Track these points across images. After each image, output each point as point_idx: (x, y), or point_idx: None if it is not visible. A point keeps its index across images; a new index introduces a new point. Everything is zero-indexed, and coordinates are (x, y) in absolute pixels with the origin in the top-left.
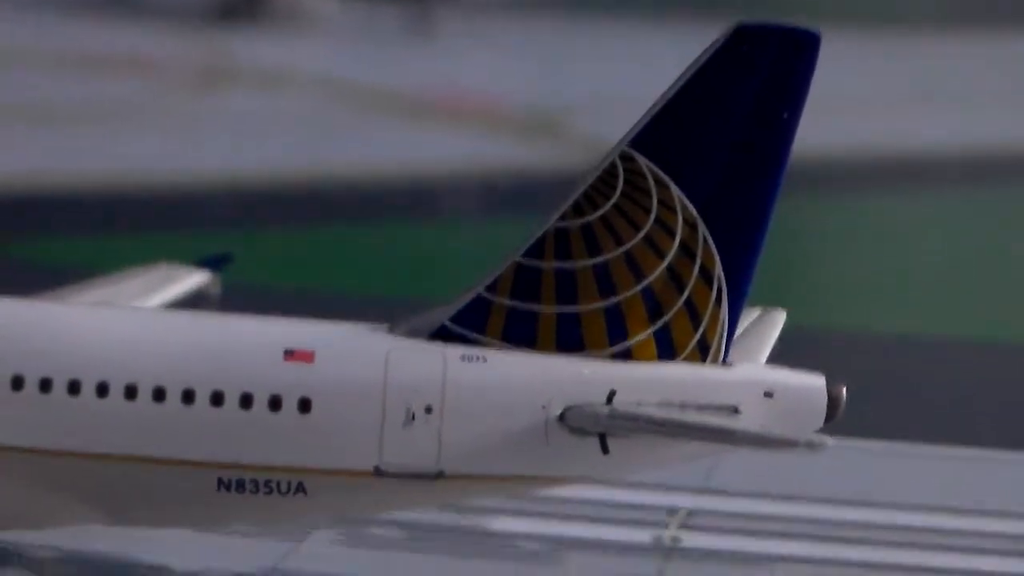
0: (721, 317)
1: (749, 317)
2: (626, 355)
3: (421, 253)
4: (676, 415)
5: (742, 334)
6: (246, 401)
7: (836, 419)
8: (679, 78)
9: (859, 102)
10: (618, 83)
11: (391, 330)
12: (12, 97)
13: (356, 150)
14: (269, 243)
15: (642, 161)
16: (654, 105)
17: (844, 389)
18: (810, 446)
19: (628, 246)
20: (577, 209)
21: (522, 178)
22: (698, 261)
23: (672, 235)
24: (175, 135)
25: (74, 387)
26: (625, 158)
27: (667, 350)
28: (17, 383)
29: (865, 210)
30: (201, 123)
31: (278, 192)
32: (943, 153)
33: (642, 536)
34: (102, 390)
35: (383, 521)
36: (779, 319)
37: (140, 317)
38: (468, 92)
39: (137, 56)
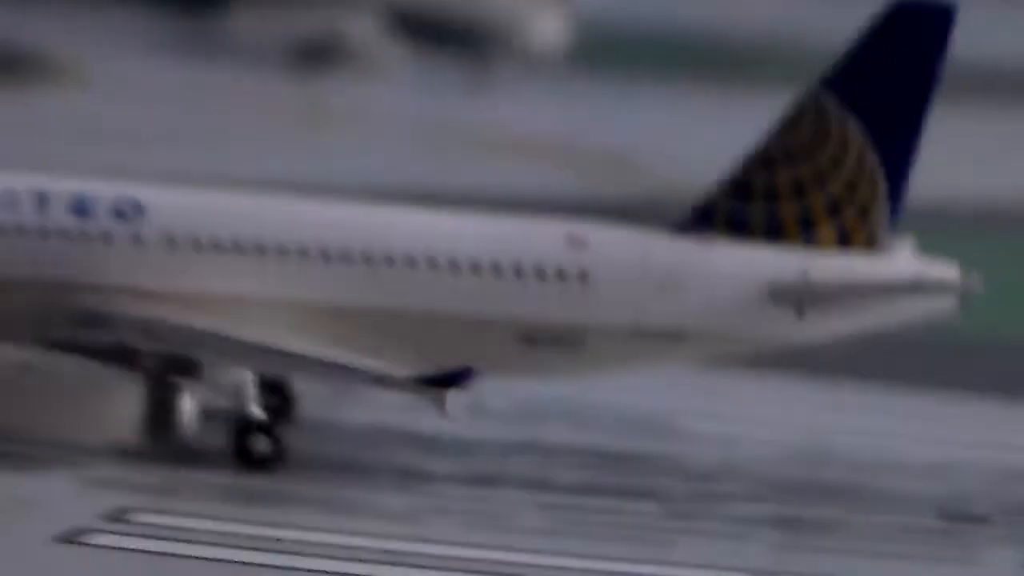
0: (885, 218)
1: None
2: (814, 244)
3: None
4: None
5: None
6: (540, 273)
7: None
8: (856, 40)
9: None
10: (668, 136)
11: (646, 227)
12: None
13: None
14: None
15: (830, 98)
16: (843, 55)
17: (979, 279)
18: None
19: (817, 161)
20: (782, 132)
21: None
22: (869, 175)
23: (849, 154)
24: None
25: (412, 262)
26: (816, 96)
27: (844, 241)
28: (368, 258)
29: None
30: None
31: None
32: None
33: None
34: (432, 263)
35: None
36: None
37: (459, 218)
38: (533, 132)
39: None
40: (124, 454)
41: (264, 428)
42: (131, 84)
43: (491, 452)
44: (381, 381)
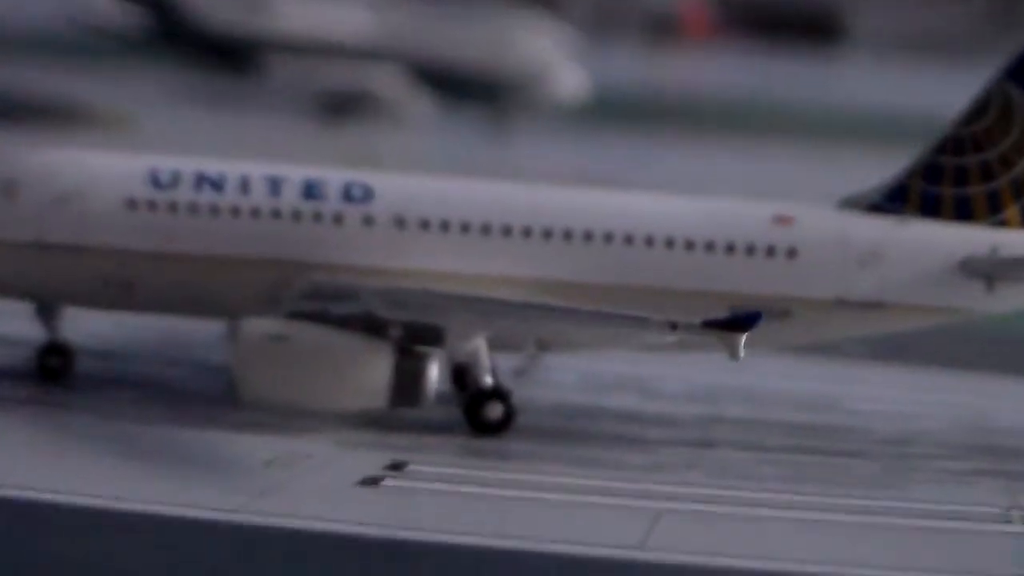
0: None
1: None
2: (1001, 223)
3: None
4: None
5: None
6: (750, 250)
7: None
8: None
9: None
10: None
11: (839, 206)
12: None
13: None
14: None
15: (1014, 88)
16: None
17: None
18: None
19: (1003, 148)
20: (970, 119)
21: None
22: None
23: None
24: None
25: (609, 238)
26: (1001, 85)
27: None
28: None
29: None
30: None
31: None
32: None
33: None
34: (649, 241)
35: None
36: None
37: (673, 199)
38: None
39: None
40: (372, 420)
41: (498, 396)
42: (174, 132)
43: (685, 425)
44: (675, 327)
